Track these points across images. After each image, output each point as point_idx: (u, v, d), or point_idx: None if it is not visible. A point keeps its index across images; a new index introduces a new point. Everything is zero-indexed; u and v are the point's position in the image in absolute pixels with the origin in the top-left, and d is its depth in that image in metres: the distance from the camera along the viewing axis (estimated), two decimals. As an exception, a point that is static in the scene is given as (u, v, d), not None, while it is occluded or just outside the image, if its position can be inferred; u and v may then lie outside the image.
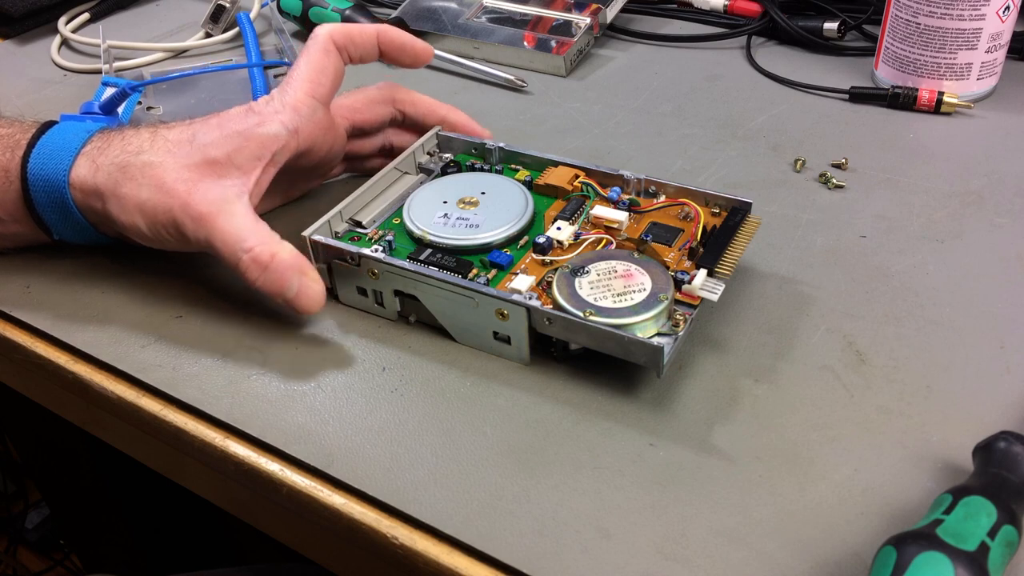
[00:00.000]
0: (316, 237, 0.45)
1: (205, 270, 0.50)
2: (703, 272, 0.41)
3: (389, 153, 0.56)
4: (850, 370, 0.42)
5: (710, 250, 0.43)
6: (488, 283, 0.43)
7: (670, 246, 0.45)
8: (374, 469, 0.39)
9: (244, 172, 0.44)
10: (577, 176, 0.49)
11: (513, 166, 0.51)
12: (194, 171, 0.44)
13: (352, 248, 0.44)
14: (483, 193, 0.48)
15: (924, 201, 0.53)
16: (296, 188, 0.55)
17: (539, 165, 0.51)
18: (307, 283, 0.44)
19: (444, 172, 0.51)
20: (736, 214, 0.45)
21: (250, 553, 1.00)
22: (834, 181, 0.55)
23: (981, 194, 0.54)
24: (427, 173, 0.52)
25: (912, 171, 0.56)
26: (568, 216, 0.46)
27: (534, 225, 0.47)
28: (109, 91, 0.59)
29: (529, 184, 0.49)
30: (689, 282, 0.41)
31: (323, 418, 0.41)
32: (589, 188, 0.48)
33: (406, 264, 0.43)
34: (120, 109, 0.59)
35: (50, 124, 0.48)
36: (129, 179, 0.44)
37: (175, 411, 0.43)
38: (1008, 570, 0.31)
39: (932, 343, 0.43)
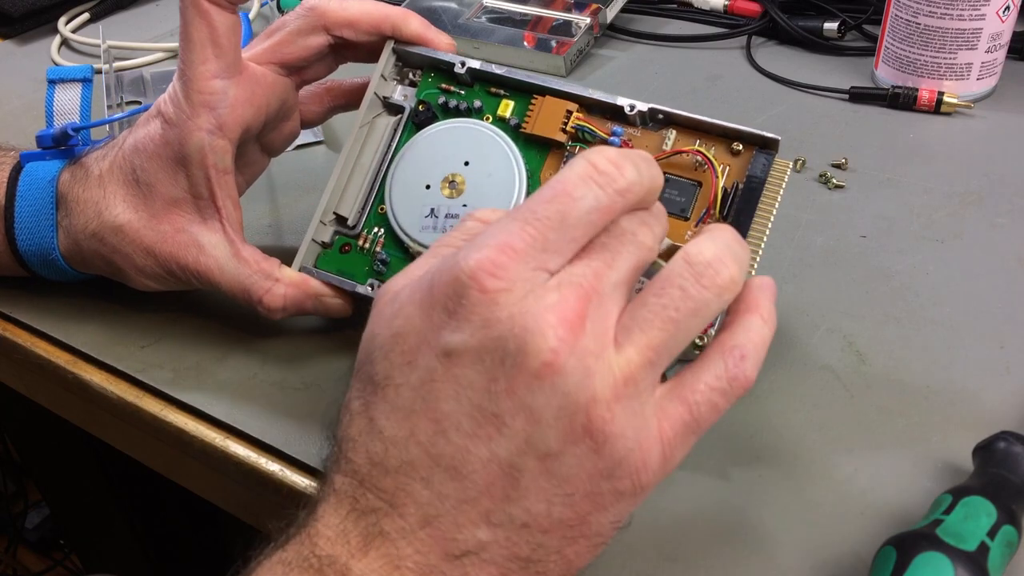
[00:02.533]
0: (306, 269, 0.44)
1: (205, 270, 0.50)
2: None
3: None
4: (850, 370, 0.42)
5: None
6: None
7: (686, 219, 0.40)
8: (374, 469, 0.39)
9: (206, 199, 0.43)
10: (570, 113, 0.42)
11: (492, 90, 0.44)
12: (166, 222, 0.43)
13: (347, 286, 0.43)
14: (467, 164, 0.42)
15: (924, 201, 0.53)
16: (274, 145, 0.48)
17: (518, 87, 0.44)
18: (325, 302, 0.44)
19: (416, 119, 0.45)
20: (759, 162, 0.39)
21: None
22: (834, 181, 0.55)
23: (981, 194, 0.54)
24: (398, 111, 0.46)
25: (912, 171, 0.56)
26: None
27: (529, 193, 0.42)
28: (61, 88, 0.55)
29: (516, 127, 0.43)
30: None
31: (323, 418, 0.41)
32: (586, 133, 0.42)
33: None
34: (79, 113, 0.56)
35: (16, 172, 0.46)
36: (113, 250, 0.43)
37: (175, 411, 0.43)
38: (1008, 570, 0.31)
39: (932, 343, 0.43)
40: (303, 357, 0.45)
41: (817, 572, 0.34)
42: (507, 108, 0.44)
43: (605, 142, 0.42)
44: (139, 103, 0.69)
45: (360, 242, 0.44)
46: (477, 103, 0.44)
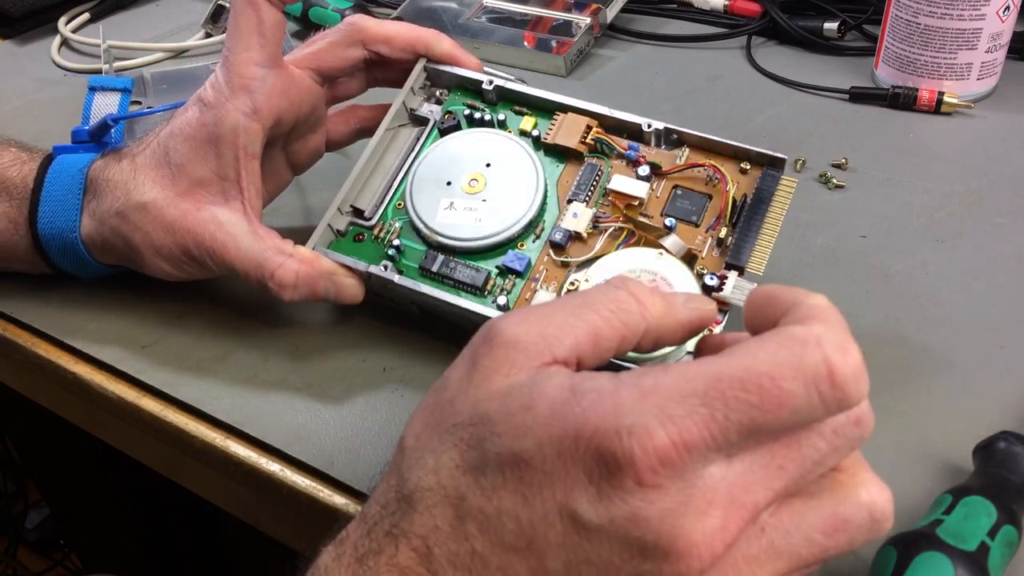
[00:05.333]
0: (320, 250, 0.44)
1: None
2: (733, 275, 0.39)
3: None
4: (850, 370, 0.42)
5: (740, 241, 0.40)
6: (507, 297, 0.41)
7: (697, 225, 0.42)
8: (375, 470, 0.39)
9: (231, 180, 0.44)
10: (590, 128, 0.44)
11: (516, 108, 0.47)
12: (188, 200, 0.43)
13: (360, 266, 0.43)
14: (488, 166, 0.44)
15: (924, 201, 0.53)
16: (299, 157, 0.50)
17: (543, 105, 0.46)
18: (339, 281, 0.44)
19: (441, 126, 0.47)
20: (768, 178, 0.41)
21: (249, 553, 1.00)
22: (834, 181, 0.55)
23: (981, 194, 0.54)
24: (423, 123, 0.48)
25: (912, 171, 0.56)
26: (583, 191, 0.43)
27: (547, 201, 0.44)
28: (101, 95, 0.58)
29: (537, 139, 0.45)
30: (719, 289, 0.39)
31: (324, 418, 0.41)
32: (604, 146, 0.44)
33: (421, 288, 0.42)
34: (112, 112, 0.57)
35: (47, 162, 0.47)
36: (134, 228, 0.44)
37: (175, 411, 0.43)
38: (1008, 570, 0.31)
39: (932, 343, 0.43)
40: (304, 357, 0.45)
41: (817, 572, 0.34)
42: (530, 123, 0.46)
43: (622, 156, 0.44)
44: (139, 103, 0.69)
45: (375, 231, 0.45)
46: (501, 116, 0.47)
